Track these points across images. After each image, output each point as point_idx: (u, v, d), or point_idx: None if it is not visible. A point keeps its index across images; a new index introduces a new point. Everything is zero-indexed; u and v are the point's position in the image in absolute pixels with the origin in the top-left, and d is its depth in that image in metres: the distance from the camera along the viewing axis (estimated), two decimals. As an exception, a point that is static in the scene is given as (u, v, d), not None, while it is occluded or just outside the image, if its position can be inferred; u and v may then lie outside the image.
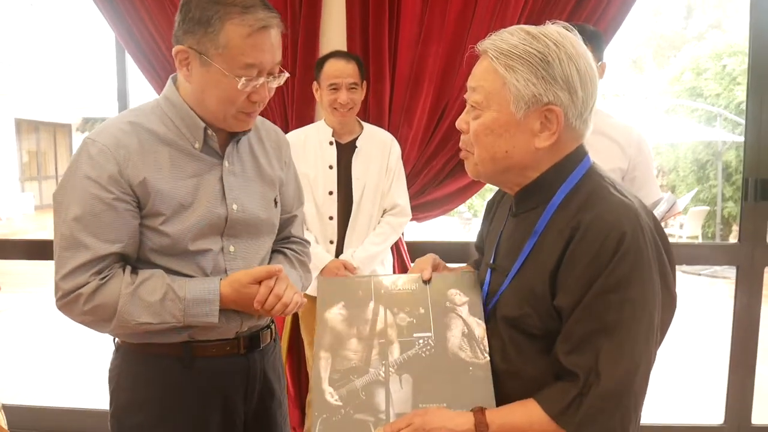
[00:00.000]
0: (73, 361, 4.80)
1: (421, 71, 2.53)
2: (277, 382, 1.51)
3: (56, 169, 17.83)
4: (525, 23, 1.33)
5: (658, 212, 2.11)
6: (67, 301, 1.24)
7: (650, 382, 1.02)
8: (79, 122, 17.99)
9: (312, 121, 2.59)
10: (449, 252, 2.75)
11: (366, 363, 1.12)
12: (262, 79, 1.25)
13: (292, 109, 2.61)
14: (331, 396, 1.11)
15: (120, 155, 1.23)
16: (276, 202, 1.46)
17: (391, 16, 2.51)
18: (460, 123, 1.11)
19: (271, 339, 1.49)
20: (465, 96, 1.10)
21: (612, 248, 0.96)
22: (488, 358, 1.10)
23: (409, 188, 2.52)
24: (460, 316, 1.14)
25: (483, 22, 2.47)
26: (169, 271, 1.29)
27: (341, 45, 2.56)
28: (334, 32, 2.61)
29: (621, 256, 0.96)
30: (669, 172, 12.46)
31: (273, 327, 1.51)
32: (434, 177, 2.63)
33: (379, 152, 2.40)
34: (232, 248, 1.36)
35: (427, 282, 1.19)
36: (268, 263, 1.45)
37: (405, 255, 2.62)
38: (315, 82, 2.39)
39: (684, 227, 9.87)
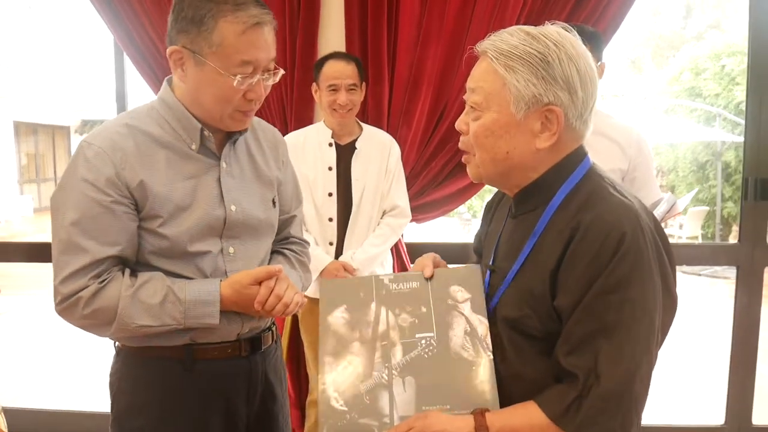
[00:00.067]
0: (73, 363, 4.79)
1: (419, 72, 2.53)
2: (279, 385, 1.50)
3: (55, 171, 17.81)
4: (524, 24, 1.33)
5: (658, 213, 2.11)
6: (67, 306, 1.23)
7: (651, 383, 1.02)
8: (78, 124, 17.98)
9: (311, 123, 2.58)
10: (449, 253, 2.71)
11: (369, 367, 1.12)
12: (257, 77, 1.24)
13: (291, 110, 2.60)
14: (337, 401, 1.10)
15: (116, 158, 1.23)
16: (274, 203, 1.46)
17: (389, 17, 2.51)
18: (459, 124, 1.10)
19: (272, 341, 1.49)
20: (464, 97, 1.09)
21: (612, 248, 0.96)
22: (491, 357, 1.09)
23: (408, 189, 2.52)
24: (463, 314, 1.13)
25: (482, 23, 2.47)
26: (169, 274, 1.29)
27: (340, 46, 2.56)
28: (332, 34, 2.61)
29: (621, 256, 0.95)
30: (668, 172, 12.46)
31: (274, 329, 1.51)
32: (433, 178, 2.63)
33: (379, 153, 2.40)
34: (231, 250, 1.36)
35: (428, 279, 1.19)
36: (268, 264, 1.45)
37: (405, 256, 2.62)
38: (314, 84, 2.39)
39: (683, 227, 9.87)
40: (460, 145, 1.12)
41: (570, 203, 1.04)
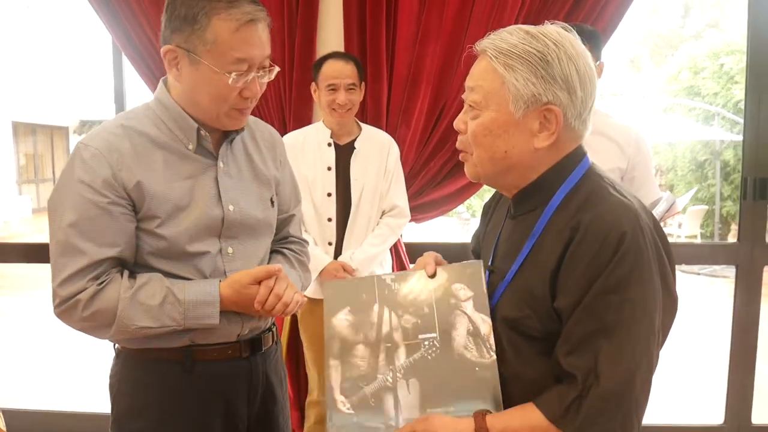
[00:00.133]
0: (72, 364, 4.79)
1: (418, 72, 2.53)
2: (279, 386, 1.50)
3: (53, 172, 17.79)
4: (522, 23, 1.33)
5: (657, 212, 2.11)
6: (66, 308, 1.22)
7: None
8: (77, 125, 17.98)
9: (310, 123, 2.58)
10: (448, 252, 2.71)
11: (374, 369, 1.12)
12: (252, 74, 1.24)
13: (290, 110, 2.60)
14: (343, 405, 1.11)
15: (113, 159, 1.23)
16: (272, 202, 1.45)
17: (388, 16, 2.50)
18: (458, 123, 1.10)
19: (272, 342, 1.48)
20: (463, 96, 1.09)
21: (612, 248, 0.95)
22: (494, 357, 1.08)
23: (407, 189, 2.52)
24: (465, 313, 1.12)
25: (480, 22, 2.47)
26: (168, 275, 1.28)
27: (338, 46, 2.56)
28: (331, 33, 2.60)
29: (621, 256, 0.95)
30: (667, 171, 12.46)
31: (274, 329, 1.50)
32: (432, 178, 2.63)
33: (378, 153, 2.40)
34: (230, 250, 1.35)
35: (431, 277, 1.18)
36: (267, 264, 1.45)
37: (404, 256, 2.62)
38: (313, 83, 2.39)
39: (682, 226, 9.86)
40: (457, 144, 1.12)
41: (569, 203, 1.04)
